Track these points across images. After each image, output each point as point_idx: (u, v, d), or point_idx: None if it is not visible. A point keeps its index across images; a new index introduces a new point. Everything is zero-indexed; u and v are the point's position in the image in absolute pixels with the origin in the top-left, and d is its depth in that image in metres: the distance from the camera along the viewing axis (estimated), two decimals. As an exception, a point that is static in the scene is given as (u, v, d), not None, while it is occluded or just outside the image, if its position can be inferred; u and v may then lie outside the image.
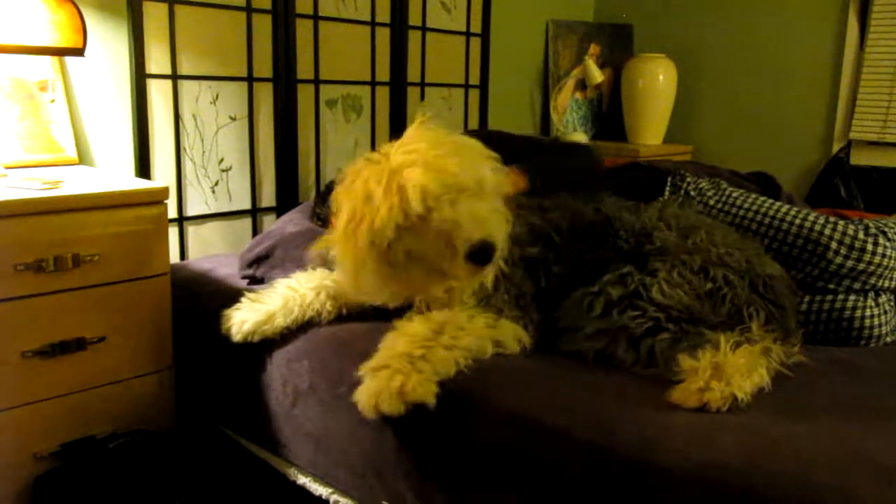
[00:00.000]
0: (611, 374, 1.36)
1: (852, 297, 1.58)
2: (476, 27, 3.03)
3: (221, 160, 2.31)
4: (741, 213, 1.68)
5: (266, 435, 1.69)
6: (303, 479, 1.63)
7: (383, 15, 2.66)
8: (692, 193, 1.78)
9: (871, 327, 1.57)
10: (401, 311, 1.48)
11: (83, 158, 2.00)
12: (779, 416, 1.19)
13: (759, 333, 1.35)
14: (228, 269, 1.98)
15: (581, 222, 1.55)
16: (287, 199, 2.45)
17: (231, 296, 1.73)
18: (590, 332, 1.41)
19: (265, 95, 2.37)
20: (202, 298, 1.86)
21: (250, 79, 2.32)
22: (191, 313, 1.83)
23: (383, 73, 2.71)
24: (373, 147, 2.70)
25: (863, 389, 1.33)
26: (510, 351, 1.43)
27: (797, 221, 1.62)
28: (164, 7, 2.09)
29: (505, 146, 1.68)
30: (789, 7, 3.18)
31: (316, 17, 2.46)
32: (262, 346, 1.64)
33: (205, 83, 2.22)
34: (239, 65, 2.29)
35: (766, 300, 1.42)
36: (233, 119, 2.31)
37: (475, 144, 1.40)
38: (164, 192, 1.72)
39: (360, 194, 1.31)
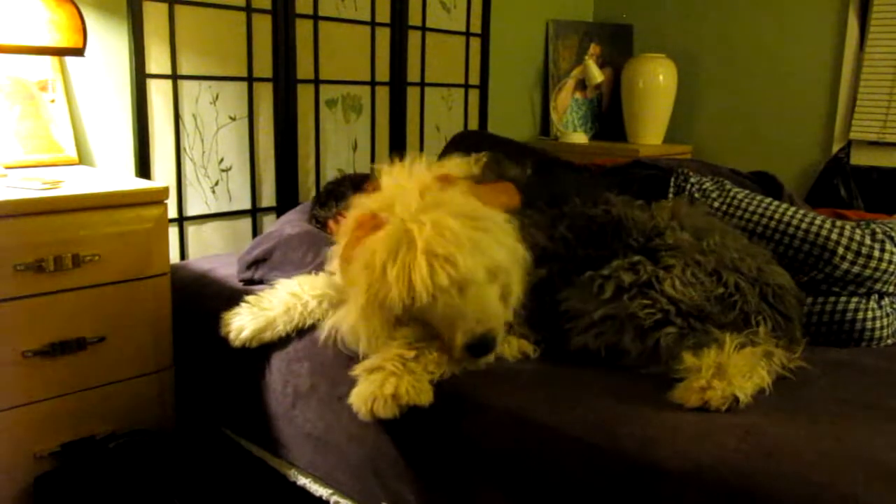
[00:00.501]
0: (611, 374, 1.36)
1: (854, 300, 1.58)
2: (476, 27, 3.03)
3: (221, 160, 2.30)
4: (746, 215, 1.67)
5: (266, 435, 1.69)
6: (303, 480, 1.63)
7: (383, 15, 2.66)
8: (696, 195, 1.77)
9: (873, 329, 1.57)
10: None
11: (83, 158, 2.00)
12: (779, 417, 1.19)
13: (765, 337, 1.35)
14: (228, 270, 1.98)
15: (591, 227, 1.55)
16: (287, 199, 2.45)
17: (231, 296, 1.74)
18: (597, 318, 1.40)
19: (265, 95, 2.37)
20: (202, 298, 1.86)
21: (250, 79, 2.32)
22: (191, 313, 1.83)
23: (383, 73, 2.71)
24: (373, 147, 2.71)
25: (863, 390, 1.33)
26: (511, 359, 1.43)
27: (803, 226, 1.61)
28: (164, 7, 2.09)
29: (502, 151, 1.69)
30: (789, 7, 3.18)
31: (316, 17, 2.46)
32: (263, 347, 1.64)
33: (205, 83, 2.22)
34: (239, 65, 2.29)
35: (774, 310, 1.42)
36: (233, 119, 2.31)
37: (495, 222, 1.36)
38: (164, 192, 1.72)
39: (375, 266, 1.29)
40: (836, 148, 3.11)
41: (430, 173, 1.49)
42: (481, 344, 1.29)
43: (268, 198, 2.44)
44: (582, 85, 3.53)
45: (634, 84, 3.37)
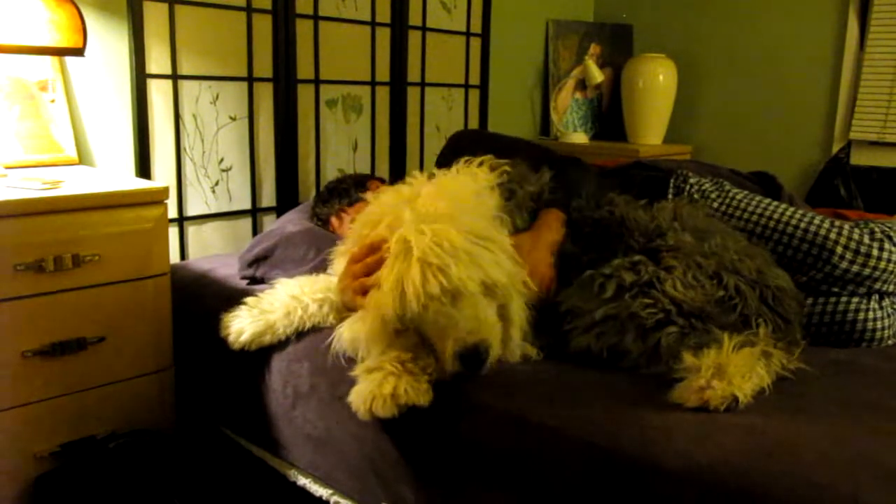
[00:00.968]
0: (610, 374, 1.36)
1: (855, 300, 1.58)
2: (476, 27, 3.03)
3: (221, 160, 2.30)
4: (745, 216, 1.67)
5: (266, 436, 1.69)
6: (303, 480, 1.63)
7: (383, 15, 2.66)
8: (695, 196, 1.77)
9: (874, 329, 1.57)
10: None
11: (83, 158, 2.00)
12: (779, 417, 1.19)
13: (764, 338, 1.35)
14: (228, 270, 1.98)
15: (594, 230, 1.56)
16: (287, 199, 2.45)
17: (231, 296, 1.73)
18: (598, 318, 1.40)
19: (265, 95, 2.37)
20: (202, 298, 1.86)
21: (250, 79, 2.32)
22: (191, 313, 1.83)
23: (383, 73, 2.71)
24: (373, 147, 2.71)
25: (864, 390, 1.33)
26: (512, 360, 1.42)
27: (802, 225, 1.61)
28: (164, 7, 2.09)
29: (504, 152, 1.68)
30: (789, 7, 3.18)
31: (316, 17, 2.46)
32: (263, 348, 1.64)
33: (205, 83, 2.22)
34: (239, 65, 2.29)
35: (774, 312, 1.42)
36: (233, 119, 2.31)
37: (499, 245, 1.34)
38: (165, 192, 1.72)
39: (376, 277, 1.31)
40: (836, 148, 3.11)
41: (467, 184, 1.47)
42: (473, 355, 1.26)
43: (268, 198, 2.44)
44: (582, 85, 3.53)
45: (634, 84, 3.37)
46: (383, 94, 2.72)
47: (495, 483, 1.26)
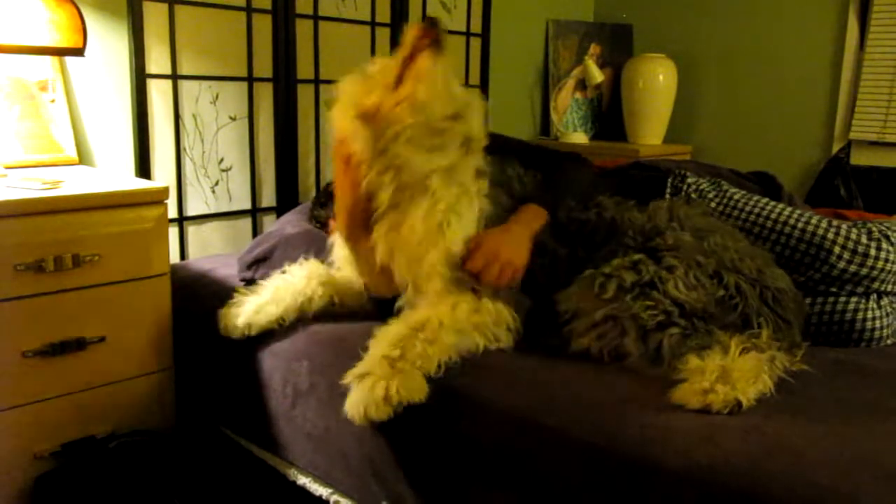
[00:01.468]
0: (611, 374, 1.36)
1: (854, 300, 1.58)
2: (476, 27, 3.03)
3: (221, 160, 2.30)
4: (743, 215, 1.67)
5: (266, 435, 1.69)
6: (302, 480, 1.63)
7: (383, 15, 2.66)
8: (693, 196, 1.77)
9: (873, 329, 1.57)
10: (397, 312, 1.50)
11: (83, 158, 2.00)
12: (780, 417, 1.19)
13: (768, 342, 1.35)
14: (228, 270, 1.98)
15: (580, 230, 1.56)
16: (287, 199, 2.45)
17: (231, 296, 1.73)
18: (598, 318, 1.40)
19: (265, 95, 2.37)
20: (202, 298, 1.86)
21: (250, 79, 2.32)
22: (191, 313, 1.83)
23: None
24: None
25: (864, 390, 1.33)
26: (502, 342, 1.44)
27: (800, 225, 1.61)
28: (164, 7, 2.09)
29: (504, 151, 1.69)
30: (789, 7, 3.18)
31: (316, 17, 2.46)
32: (263, 347, 1.65)
33: (205, 83, 2.22)
34: (239, 65, 2.29)
35: (774, 313, 1.42)
36: (233, 119, 2.31)
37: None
38: (164, 192, 1.72)
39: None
40: (836, 148, 3.11)
41: None
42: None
43: (268, 198, 2.44)
44: (582, 85, 3.53)
45: (634, 84, 3.37)
46: (383, 94, 2.72)
47: (495, 482, 1.26)
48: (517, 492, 1.23)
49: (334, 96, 1.49)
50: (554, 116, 3.46)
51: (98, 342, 1.64)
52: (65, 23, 1.66)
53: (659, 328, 1.35)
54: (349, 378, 1.33)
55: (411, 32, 1.43)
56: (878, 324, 1.57)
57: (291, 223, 2.00)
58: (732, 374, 1.23)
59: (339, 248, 1.64)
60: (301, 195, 2.50)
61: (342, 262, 1.65)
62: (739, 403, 1.20)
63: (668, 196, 1.81)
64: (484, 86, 3.10)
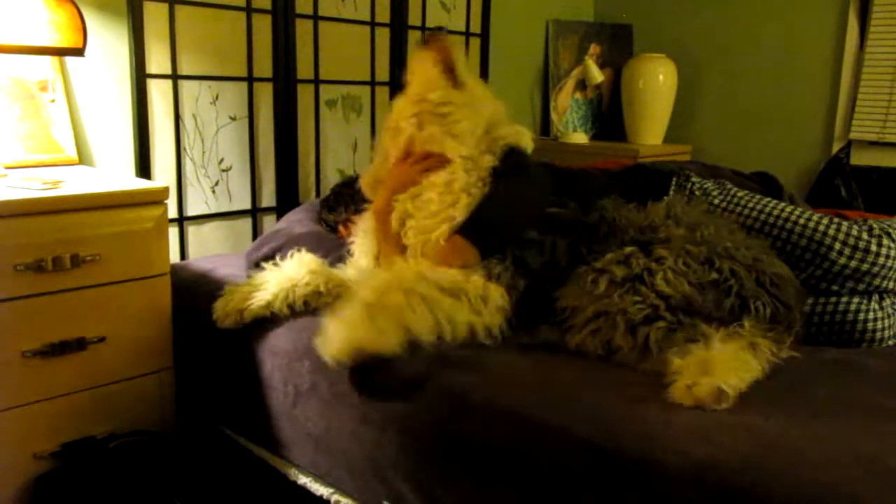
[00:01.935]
0: (610, 373, 1.36)
1: (856, 300, 1.58)
2: (476, 27, 3.03)
3: (221, 160, 2.31)
4: (745, 212, 1.68)
5: (266, 435, 1.69)
6: (303, 479, 1.63)
7: (383, 15, 2.66)
8: (697, 193, 1.78)
9: (875, 330, 1.57)
10: None
11: (83, 158, 2.00)
12: (780, 416, 1.19)
13: (750, 329, 1.35)
14: (228, 269, 1.98)
15: (584, 231, 1.57)
16: (287, 199, 2.45)
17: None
18: (590, 314, 1.42)
19: (265, 95, 2.37)
20: (202, 298, 1.85)
21: (250, 79, 2.32)
22: (191, 313, 1.83)
23: (383, 73, 2.71)
24: (373, 147, 2.71)
25: (864, 390, 1.33)
26: (484, 317, 1.45)
27: (801, 221, 1.62)
28: (164, 7, 2.09)
29: None
30: (789, 7, 3.18)
31: (316, 17, 2.46)
32: (263, 346, 1.65)
33: (205, 83, 2.22)
34: (239, 65, 2.29)
35: (772, 297, 1.43)
36: (233, 119, 2.31)
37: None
38: (165, 192, 1.72)
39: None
40: (836, 148, 3.11)
41: None
42: None
43: (268, 198, 2.44)
44: (582, 85, 3.53)
45: (634, 84, 3.37)
46: (383, 94, 2.72)
47: (495, 481, 1.26)
48: (517, 490, 1.23)
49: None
50: (554, 116, 3.46)
51: (98, 342, 1.64)
52: (65, 23, 1.66)
53: (646, 322, 1.37)
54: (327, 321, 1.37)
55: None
56: (879, 325, 1.57)
57: (301, 222, 2.00)
58: (713, 365, 1.24)
59: (362, 236, 1.74)
60: (301, 195, 2.50)
61: (360, 252, 1.72)
62: (722, 391, 1.20)
63: (672, 194, 1.81)
64: (484, 86, 3.10)
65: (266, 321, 1.66)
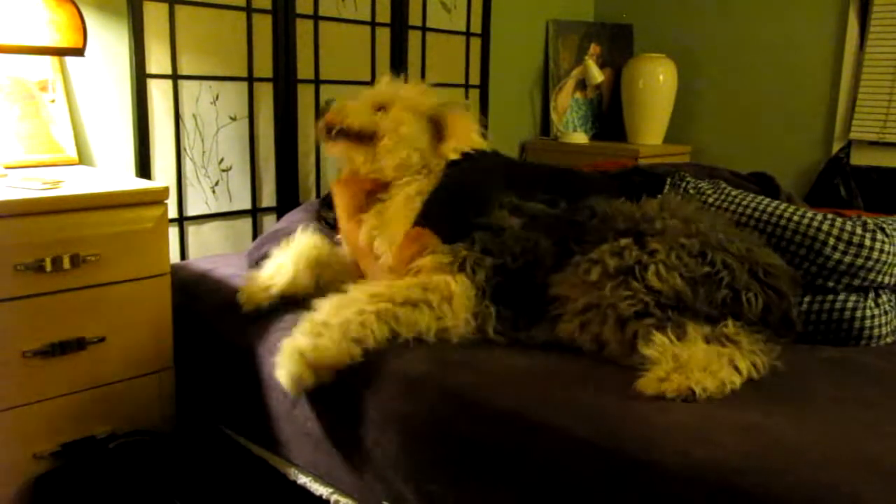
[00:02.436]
0: (609, 372, 1.36)
1: (853, 298, 1.58)
2: (476, 27, 3.03)
3: (221, 160, 2.31)
4: (739, 209, 1.69)
5: (266, 435, 1.69)
6: (303, 479, 1.63)
7: (383, 15, 2.66)
8: (691, 192, 1.79)
9: (872, 328, 1.57)
10: None
11: (83, 158, 2.00)
12: (780, 416, 1.19)
13: (735, 331, 1.35)
14: (229, 269, 1.98)
15: (572, 226, 1.57)
16: (287, 199, 2.45)
17: (231, 295, 1.74)
18: (580, 306, 1.43)
19: (265, 95, 2.37)
20: (202, 298, 1.86)
21: (250, 79, 2.32)
22: (191, 313, 1.83)
23: (383, 73, 2.70)
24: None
25: (863, 389, 1.33)
26: (447, 320, 1.47)
27: (795, 218, 1.62)
28: (164, 7, 2.09)
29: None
30: (789, 7, 3.18)
31: (316, 17, 2.46)
32: (263, 346, 1.64)
33: (205, 83, 2.22)
34: (239, 65, 2.29)
35: (765, 286, 1.43)
36: (233, 119, 2.31)
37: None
38: (165, 192, 1.72)
39: None
40: (836, 148, 3.11)
41: None
42: None
43: (268, 198, 2.44)
44: (582, 85, 3.53)
45: (634, 84, 3.37)
46: (383, 94, 2.72)
47: (495, 481, 1.26)
48: (517, 491, 1.23)
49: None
50: (554, 116, 3.46)
51: (98, 342, 1.64)
52: (65, 23, 1.66)
53: (636, 317, 1.38)
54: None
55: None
56: (876, 322, 1.57)
57: (301, 222, 2.00)
58: (688, 365, 1.26)
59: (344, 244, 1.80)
60: (301, 195, 2.50)
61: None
62: (693, 392, 1.22)
63: (666, 192, 1.82)
64: (484, 86, 3.10)
65: (265, 319, 1.67)
